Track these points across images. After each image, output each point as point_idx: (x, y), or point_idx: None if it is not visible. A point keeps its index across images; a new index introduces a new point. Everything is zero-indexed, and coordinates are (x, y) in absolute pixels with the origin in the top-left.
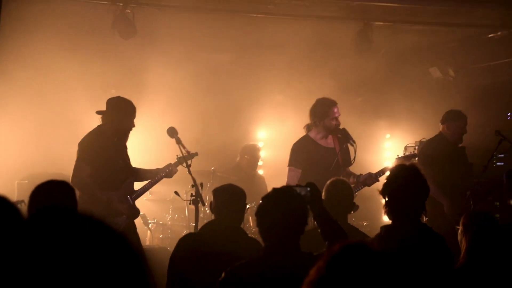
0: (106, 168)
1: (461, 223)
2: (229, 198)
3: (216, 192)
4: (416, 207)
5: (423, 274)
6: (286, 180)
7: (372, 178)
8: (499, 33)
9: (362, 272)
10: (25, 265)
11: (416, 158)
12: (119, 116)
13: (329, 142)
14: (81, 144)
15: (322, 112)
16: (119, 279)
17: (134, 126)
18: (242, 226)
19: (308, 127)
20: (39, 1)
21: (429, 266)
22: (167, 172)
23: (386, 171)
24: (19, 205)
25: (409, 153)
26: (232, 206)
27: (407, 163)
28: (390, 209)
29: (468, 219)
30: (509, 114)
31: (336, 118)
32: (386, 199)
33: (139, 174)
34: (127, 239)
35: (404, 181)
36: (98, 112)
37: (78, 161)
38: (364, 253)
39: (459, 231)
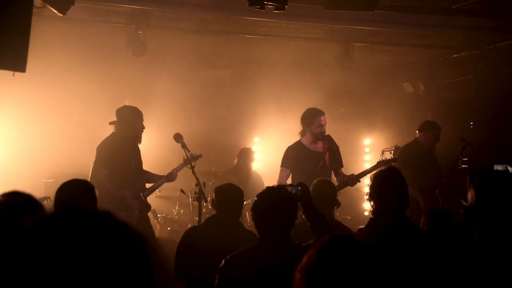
0: (120, 170)
1: (422, 219)
2: (229, 195)
3: (218, 190)
4: (397, 202)
5: (404, 262)
6: (277, 178)
7: (353, 179)
8: (462, 53)
9: (346, 259)
10: (45, 255)
11: (395, 162)
12: (129, 121)
13: (318, 147)
14: (98, 149)
15: (309, 120)
16: (129, 271)
17: (144, 127)
18: (240, 220)
19: (302, 133)
20: (61, 23)
21: (409, 254)
22: (167, 177)
23: (366, 173)
24: (45, 201)
25: (389, 158)
26: (232, 202)
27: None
28: (374, 206)
29: (427, 215)
30: (471, 123)
31: (321, 126)
32: (371, 197)
33: (148, 176)
34: (139, 233)
35: (385, 181)
36: (111, 123)
37: (95, 164)
38: (349, 243)
39: (422, 225)
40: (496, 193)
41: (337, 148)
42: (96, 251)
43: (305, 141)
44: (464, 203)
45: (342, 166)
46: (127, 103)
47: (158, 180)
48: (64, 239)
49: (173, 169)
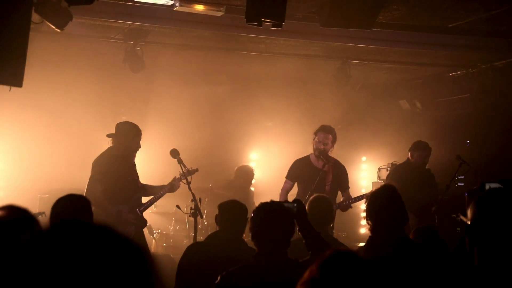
0: (116, 185)
1: (410, 236)
2: (232, 212)
3: (222, 206)
4: (393, 219)
5: (402, 277)
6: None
7: (344, 205)
8: (458, 72)
9: (348, 274)
10: (41, 269)
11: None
12: (127, 138)
13: (321, 163)
14: (94, 164)
15: (315, 133)
16: (127, 282)
17: (140, 147)
18: None
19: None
20: (58, 38)
21: (408, 271)
22: (171, 186)
23: (362, 198)
24: (40, 216)
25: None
26: (235, 219)
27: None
28: (372, 224)
29: (414, 233)
30: (468, 141)
31: (319, 142)
32: (369, 216)
33: (146, 189)
34: (136, 244)
35: (386, 200)
36: (109, 135)
37: (91, 179)
38: (351, 258)
39: None
40: (497, 210)
41: (339, 168)
42: (95, 264)
43: (312, 156)
44: (464, 219)
45: (347, 187)
46: (124, 118)
47: (159, 191)
48: (63, 253)
49: (173, 181)
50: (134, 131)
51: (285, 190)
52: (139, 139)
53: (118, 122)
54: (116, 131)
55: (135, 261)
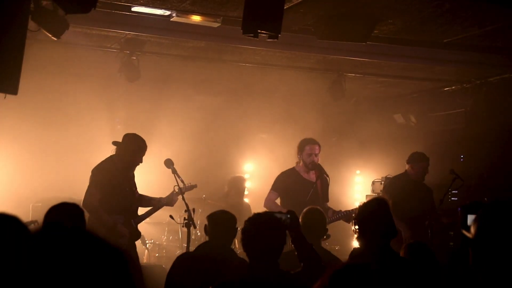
0: (114, 195)
1: (401, 251)
2: (222, 222)
3: (211, 217)
4: (383, 232)
5: None
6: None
7: (349, 216)
8: (453, 87)
9: (358, 285)
10: (32, 273)
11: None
12: (132, 150)
13: (311, 176)
14: (94, 172)
15: (300, 148)
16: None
17: (141, 161)
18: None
19: (298, 162)
20: (55, 47)
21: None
22: (168, 200)
23: (338, 218)
24: (32, 225)
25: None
26: (224, 229)
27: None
28: (359, 235)
29: (405, 248)
30: (462, 156)
31: (311, 154)
32: (357, 226)
33: (143, 200)
34: (125, 255)
35: (372, 211)
36: (114, 143)
37: (89, 187)
38: (362, 271)
39: None
40: (501, 224)
41: (327, 179)
42: (79, 269)
43: (299, 169)
44: (467, 234)
45: (327, 200)
46: (119, 127)
47: (156, 203)
48: (50, 257)
49: (171, 194)
50: (140, 145)
51: (272, 201)
52: (143, 154)
53: (127, 133)
54: (123, 140)
55: (116, 265)
